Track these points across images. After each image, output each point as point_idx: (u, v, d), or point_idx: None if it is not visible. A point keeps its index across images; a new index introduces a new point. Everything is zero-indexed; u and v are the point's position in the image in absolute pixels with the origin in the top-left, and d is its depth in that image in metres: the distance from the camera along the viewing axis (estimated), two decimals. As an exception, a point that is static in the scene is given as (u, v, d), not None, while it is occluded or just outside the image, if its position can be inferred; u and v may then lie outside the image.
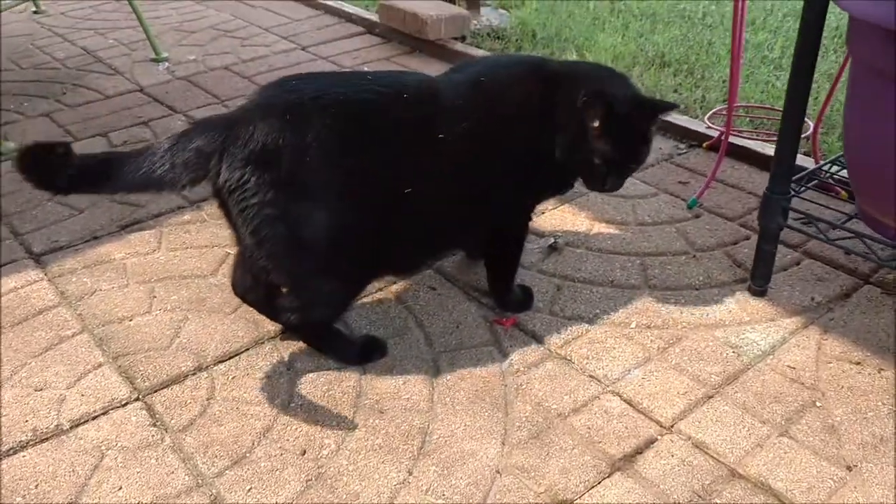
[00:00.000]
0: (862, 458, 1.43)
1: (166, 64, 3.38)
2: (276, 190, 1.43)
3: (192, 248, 2.07)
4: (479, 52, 3.31)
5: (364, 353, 1.69)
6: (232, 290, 1.75)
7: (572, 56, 3.24)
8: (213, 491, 1.39)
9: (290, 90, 1.51)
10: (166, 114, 2.89)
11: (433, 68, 3.22)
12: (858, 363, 1.65)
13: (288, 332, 1.73)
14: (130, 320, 1.81)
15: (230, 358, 1.70)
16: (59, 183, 1.44)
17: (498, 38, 3.54)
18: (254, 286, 1.69)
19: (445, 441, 1.49)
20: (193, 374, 1.66)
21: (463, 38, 3.49)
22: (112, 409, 1.57)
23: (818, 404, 1.55)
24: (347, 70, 3.19)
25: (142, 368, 1.67)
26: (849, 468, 1.41)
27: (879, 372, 1.62)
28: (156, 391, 1.61)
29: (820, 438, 1.47)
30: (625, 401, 1.57)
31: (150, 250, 2.07)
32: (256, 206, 1.44)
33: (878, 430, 1.48)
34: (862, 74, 1.55)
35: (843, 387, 1.59)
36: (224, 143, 1.44)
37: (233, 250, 2.03)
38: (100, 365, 1.68)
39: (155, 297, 1.89)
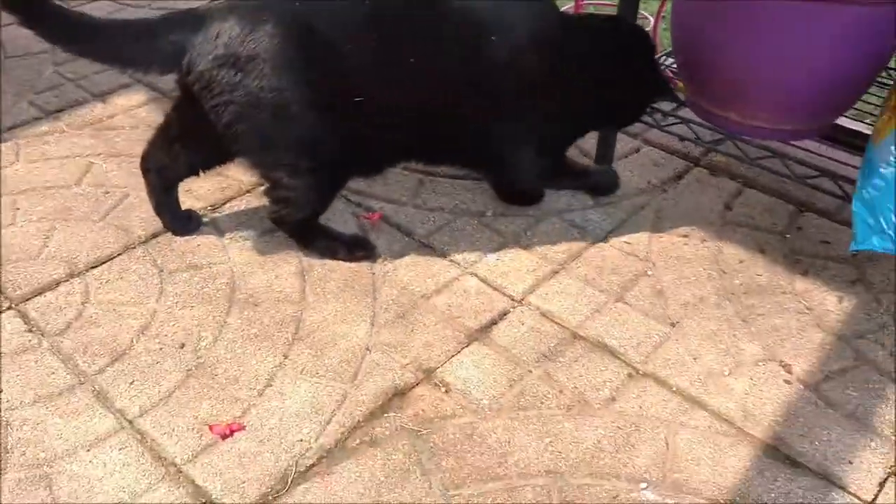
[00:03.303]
0: (683, 315, 1.64)
1: None
2: (242, 90, 1.49)
3: (53, 159, 2.05)
4: None
5: (349, 249, 1.76)
6: (140, 164, 1.75)
7: None
8: (96, 386, 1.46)
9: None
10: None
11: None
12: (685, 236, 1.86)
13: (275, 225, 1.77)
14: (-6, 233, 1.80)
15: (102, 263, 1.73)
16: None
17: None
18: (169, 166, 1.72)
19: (318, 326, 1.60)
20: (66, 280, 1.68)
21: None
22: (-16, 318, 1.59)
23: (649, 273, 1.75)
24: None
25: (11, 278, 1.68)
26: (672, 325, 1.62)
27: (703, 243, 1.84)
28: (28, 299, 1.63)
29: (650, 302, 1.68)
30: (481, 280, 1.72)
31: (9, 163, 2.03)
32: (224, 105, 1.51)
33: (698, 292, 1.70)
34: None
35: (671, 257, 1.80)
36: (195, 40, 1.49)
37: (97, 159, 2.04)
38: (-34, 278, 1.68)
39: (18, 208, 1.87)
